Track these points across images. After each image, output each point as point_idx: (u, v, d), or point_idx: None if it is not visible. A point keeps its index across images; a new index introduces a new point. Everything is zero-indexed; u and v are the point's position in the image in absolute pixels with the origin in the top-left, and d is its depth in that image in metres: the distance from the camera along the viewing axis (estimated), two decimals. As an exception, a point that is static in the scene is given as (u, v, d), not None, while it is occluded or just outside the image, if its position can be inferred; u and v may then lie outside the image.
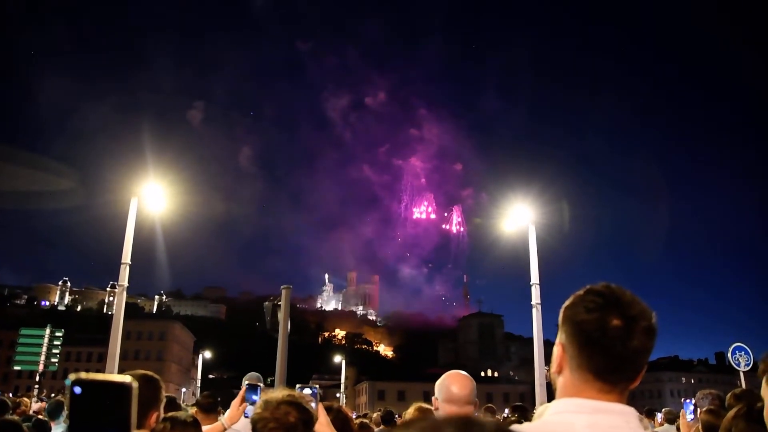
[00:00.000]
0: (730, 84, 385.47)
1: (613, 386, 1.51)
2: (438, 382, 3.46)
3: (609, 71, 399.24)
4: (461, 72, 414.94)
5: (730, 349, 15.83)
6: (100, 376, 0.85)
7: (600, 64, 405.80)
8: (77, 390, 0.83)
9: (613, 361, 1.48)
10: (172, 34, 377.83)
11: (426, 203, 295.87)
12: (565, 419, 1.49)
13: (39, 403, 18.38)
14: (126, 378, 0.86)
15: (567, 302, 1.58)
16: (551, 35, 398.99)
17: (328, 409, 3.53)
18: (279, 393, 2.61)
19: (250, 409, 3.67)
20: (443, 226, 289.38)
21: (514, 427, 1.64)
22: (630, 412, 1.51)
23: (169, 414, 3.44)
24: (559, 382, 1.59)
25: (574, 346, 1.53)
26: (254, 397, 3.75)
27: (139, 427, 2.59)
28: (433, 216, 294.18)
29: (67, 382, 0.84)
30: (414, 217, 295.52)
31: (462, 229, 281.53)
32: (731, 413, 3.10)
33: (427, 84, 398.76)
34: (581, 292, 1.56)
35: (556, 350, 1.60)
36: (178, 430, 3.29)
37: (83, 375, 0.84)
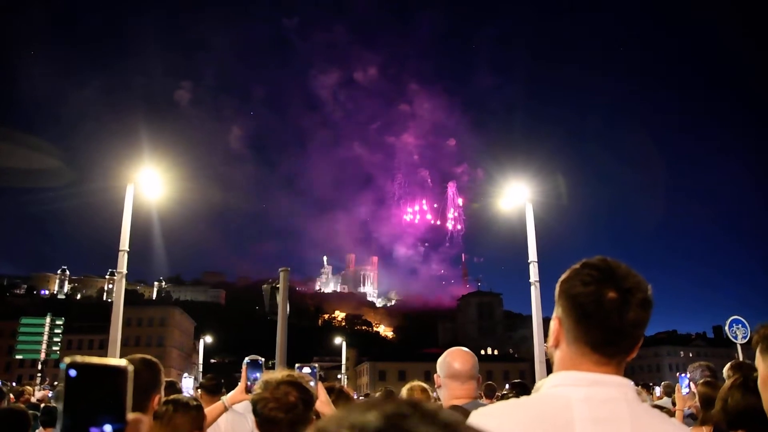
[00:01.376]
0: (730, 58, 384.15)
1: (610, 359, 1.51)
2: (440, 359, 3.47)
3: (606, 44, 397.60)
4: (453, 46, 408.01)
5: (727, 323, 15.94)
6: (95, 360, 0.84)
7: (596, 38, 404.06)
8: (72, 373, 0.81)
9: (610, 334, 1.49)
10: (155, 14, 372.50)
11: (424, 201, 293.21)
12: (562, 392, 1.51)
13: (42, 392, 18.50)
14: (122, 362, 0.85)
15: (563, 276, 1.59)
16: (546, 8, 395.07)
17: (330, 390, 3.57)
18: (279, 373, 2.62)
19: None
20: (435, 222, 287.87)
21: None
22: (627, 384, 1.52)
23: (172, 397, 3.47)
24: (556, 356, 1.60)
25: (570, 319, 1.54)
26: (256, 374, 3.74)
27: (141, 410, 2.60)
28: (428, 217, 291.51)
29: (62, 365, 0.82)
30: (408, 219, 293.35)
31: (459, 227, 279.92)
32: (727, 384, 3.14)
33: (419, 59, 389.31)
34: (577, 265, 1.56)
35: (553, 324, 1.61)
36: (181, 412, 3.31)
37: (78, 358, 0.83)
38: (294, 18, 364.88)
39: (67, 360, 0.82)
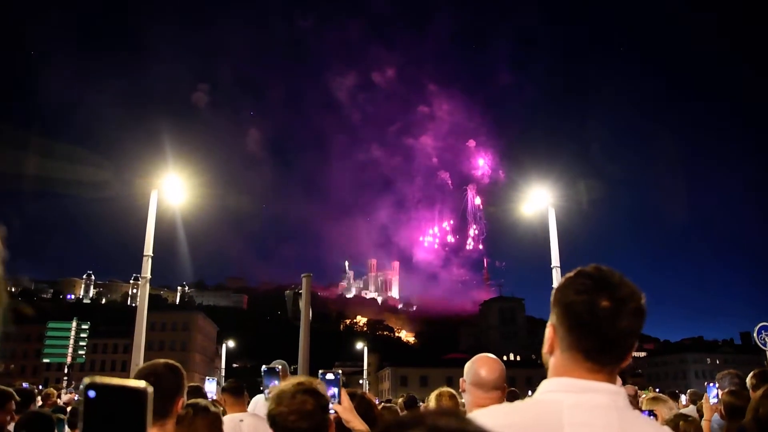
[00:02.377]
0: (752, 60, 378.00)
1: (602, 367, 1.54)
2: (467, 365, 3.44)
3: (628, 44, 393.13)
4: (471, 46, 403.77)
5: (756, 329, 15.63)
6: (115, 381, 0.81)
7: (619, 37, 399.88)
8: (91, 394, 0.79)
9: (602, 342, 1.51)
10: (170, 17, 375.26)
11: (445, 222, 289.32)
12: (553, 398, 1.54)
13: (69, 395, 18.76)
14: (141, 383, 0.83)
15: (558, 283, 1.62)
16: (565, 5, 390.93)
17: (352, 396, 3.56)
18: (289, 383, 2.62)
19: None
20: (455, 237, 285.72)
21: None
22: (617, 391, 1.54)
23: (191, 401, 3.53)
24: (551, 362, 1.64)
25: (563, 327, 1.57)
26: (274, 382, 3.75)
27: (166, 413, 2.64)
28: (450, 238, 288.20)
29: (81, 385, 0.81)
30: (426, 243, 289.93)
31: (481, 246, 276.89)
32: (758, 393, 3.08)
33: (437, 59, 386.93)
34: (572, 273, 1.59)
35: (548, 331, 1.64)
36: (200, 416, 3.40)
37: (98, 378, 0.81)
38: (309, 18, 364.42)
39: (87, 380, 0.81)
